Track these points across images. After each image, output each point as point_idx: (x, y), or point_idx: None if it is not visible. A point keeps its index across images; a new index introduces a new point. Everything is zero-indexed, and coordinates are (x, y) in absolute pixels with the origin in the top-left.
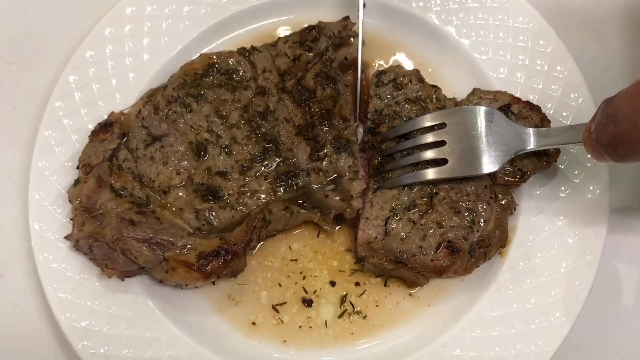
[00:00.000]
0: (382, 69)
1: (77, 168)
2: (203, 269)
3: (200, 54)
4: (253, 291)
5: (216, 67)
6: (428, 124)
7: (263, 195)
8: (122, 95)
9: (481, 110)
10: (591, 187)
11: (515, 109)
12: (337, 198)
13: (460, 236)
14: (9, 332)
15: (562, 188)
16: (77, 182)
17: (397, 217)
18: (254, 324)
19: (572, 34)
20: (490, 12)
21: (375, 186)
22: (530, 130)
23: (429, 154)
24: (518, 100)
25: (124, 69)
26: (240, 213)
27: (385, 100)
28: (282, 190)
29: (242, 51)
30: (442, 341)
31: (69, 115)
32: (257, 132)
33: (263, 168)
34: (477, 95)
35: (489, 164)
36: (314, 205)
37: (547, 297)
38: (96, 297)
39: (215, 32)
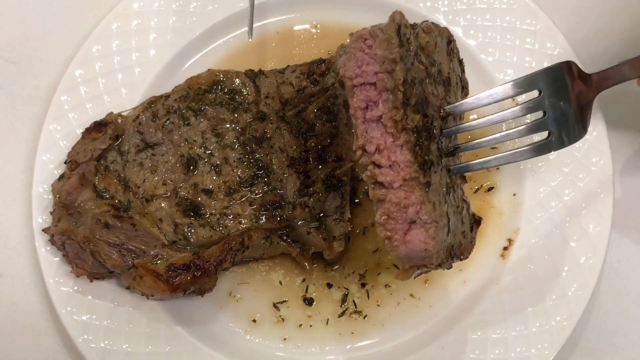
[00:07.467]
0: (402, 22)
1: (65, 163)
2: (170, 280)
3: (208, 70)
4: (254, 289)
5: (221, 85)
6: (523, 94)
7: (244, 221)
8: (128, 90)
9: (571, 66)
10: (595, 191)
11: (454, 47)
12: (319, 236)
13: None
14: (9, 331)
15: (566, 192)
16: (61, 176)
17: (450, 209)
18: (254, 321)
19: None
20: (497, 14)
21: (425, 180)
22: (593, 75)
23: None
24: (451, 35)
25: (130, 64)
26: (219, 234)
27: (408, 65)
28: (264, 219)
29: (249, 73)
30: (442, 343)
31: (74, 109)
32: (250, 157)
33: (249, 194)
34: (427, 25)
35: (580, 131)
36: (294, 240)
37: (549, 300)
38: (97, 291)
39: (222, 28)
